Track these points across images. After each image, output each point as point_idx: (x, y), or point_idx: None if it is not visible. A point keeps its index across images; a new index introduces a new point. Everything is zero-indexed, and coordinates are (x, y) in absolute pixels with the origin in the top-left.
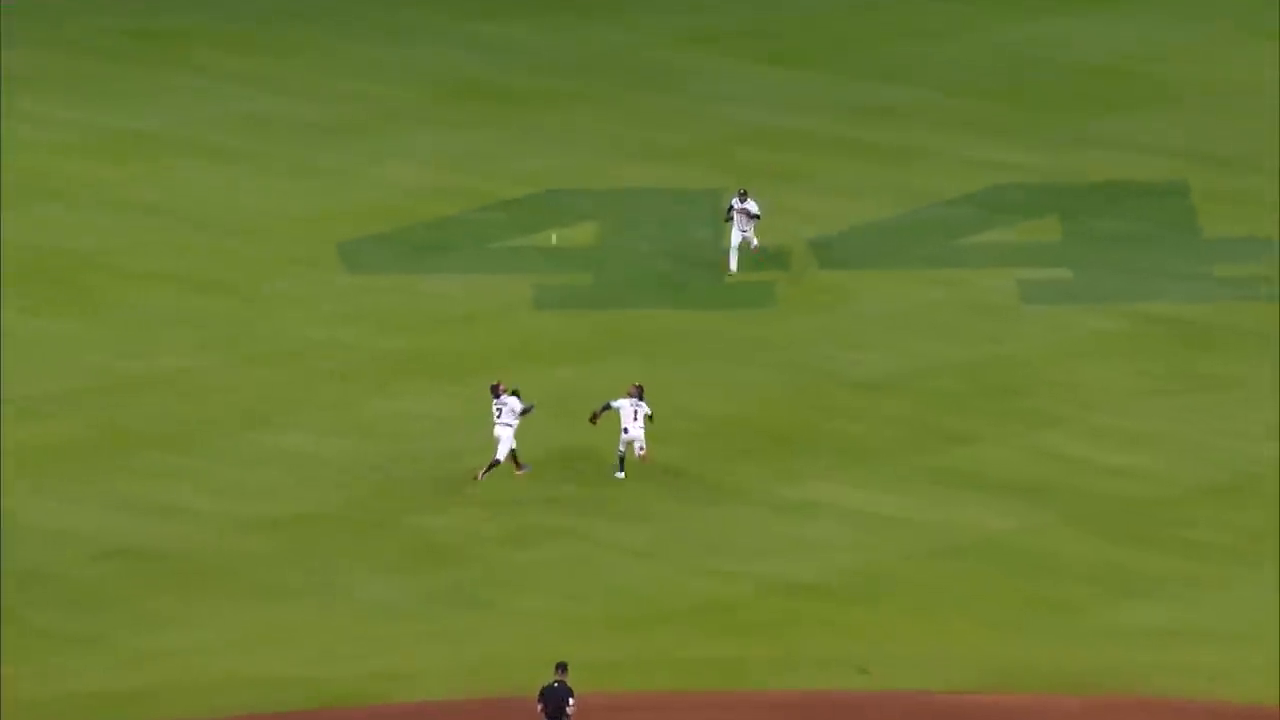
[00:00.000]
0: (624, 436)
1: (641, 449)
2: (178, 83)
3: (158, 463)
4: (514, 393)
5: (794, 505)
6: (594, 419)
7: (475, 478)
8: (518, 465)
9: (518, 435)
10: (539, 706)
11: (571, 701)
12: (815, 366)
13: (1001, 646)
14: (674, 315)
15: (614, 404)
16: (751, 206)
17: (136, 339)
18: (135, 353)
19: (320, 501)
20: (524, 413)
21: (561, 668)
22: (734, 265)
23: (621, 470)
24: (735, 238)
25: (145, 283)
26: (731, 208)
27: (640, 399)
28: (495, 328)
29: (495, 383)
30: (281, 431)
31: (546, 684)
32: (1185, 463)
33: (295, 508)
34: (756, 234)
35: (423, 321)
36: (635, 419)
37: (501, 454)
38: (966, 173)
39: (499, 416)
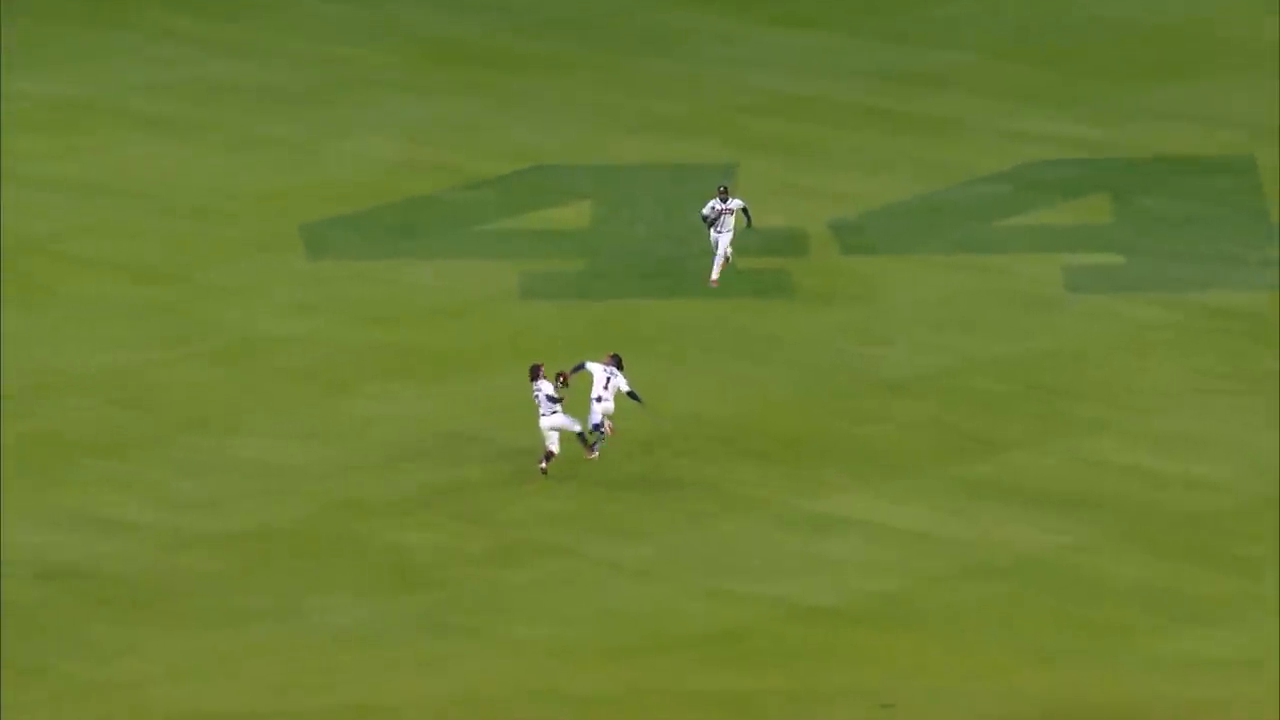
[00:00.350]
0: (595, 406)
1: (609, 422)
2: (120, 45)
3: (99, 472)
4: (560, 379)
5: (811, 519)
6: (563, 379)
7: (588, 457)
8: (586, 446)
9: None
10: None
11: None
12: (835, 364)
13: (1043, 679)
14: (677, 306)
15: (588, 365)
16: (737, 204)
17: (74, 333)
18: (72, 349)
19: (282, 515)
20: (556, 401)
21: None
22: (716, 274)
23: (593, 452)
24: (720, 242)
25: (82, 270)
26: (714, 213)
27: (619, 369)
28: (478, 320)
29: (536, 364)
30: (238, 437)
31: None
32: (1249, 471)
33: (254, 522)
34: (750, 221)
35: (396, 313)
36: (606, 387)
37: (580, 426)
38: (1005, 146)
39: (538, 404)
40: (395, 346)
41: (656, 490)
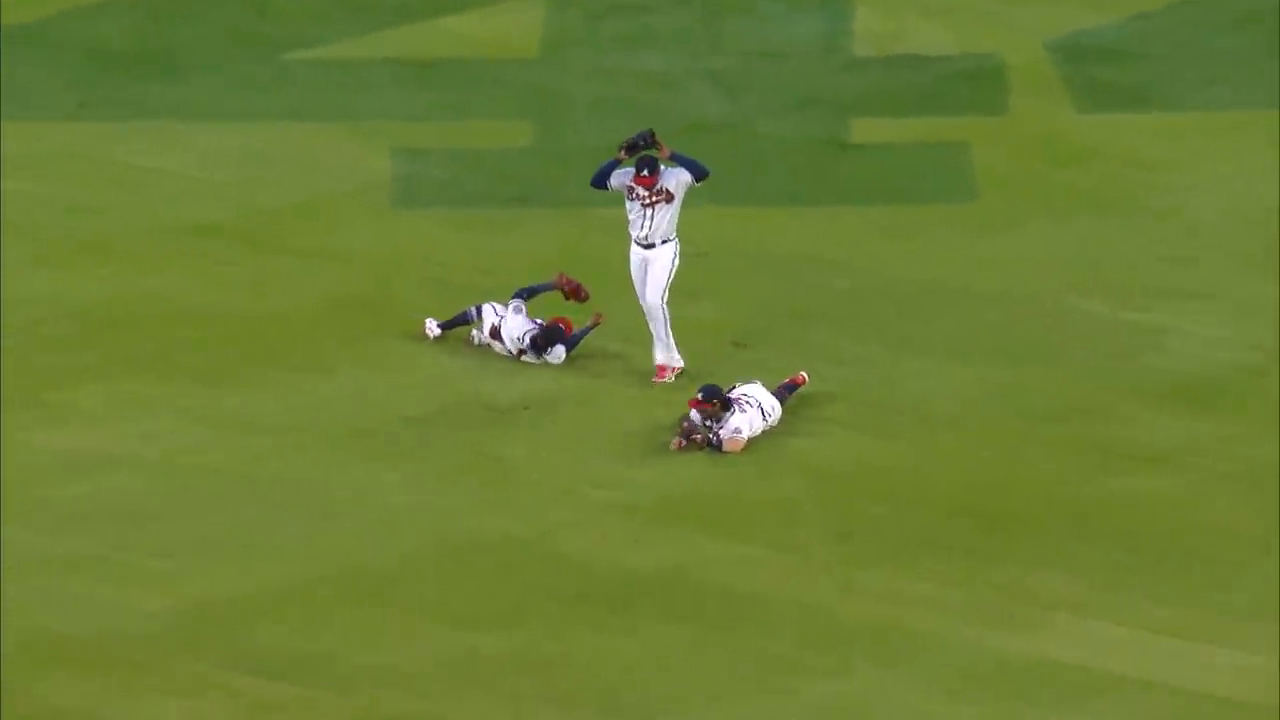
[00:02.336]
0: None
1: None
2: None
3: None
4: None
5: (1015, 668)
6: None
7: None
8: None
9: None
10: None
11: None
12: (1062, 347)
13: None
14: (711, 218)
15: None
16: (677, 179)
17: None
18: None
19: None
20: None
21: None
22: (667, 358)
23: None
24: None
25: None
26: (621, 188)
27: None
28: (304, 252)
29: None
30: None
31: None
32: None
33: None
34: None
35: (126, 241)
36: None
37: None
38: None
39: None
40: (127, 309)
41: (692, 611)
